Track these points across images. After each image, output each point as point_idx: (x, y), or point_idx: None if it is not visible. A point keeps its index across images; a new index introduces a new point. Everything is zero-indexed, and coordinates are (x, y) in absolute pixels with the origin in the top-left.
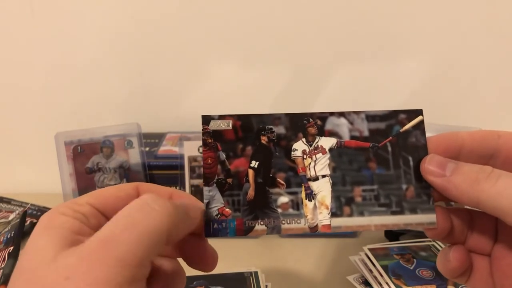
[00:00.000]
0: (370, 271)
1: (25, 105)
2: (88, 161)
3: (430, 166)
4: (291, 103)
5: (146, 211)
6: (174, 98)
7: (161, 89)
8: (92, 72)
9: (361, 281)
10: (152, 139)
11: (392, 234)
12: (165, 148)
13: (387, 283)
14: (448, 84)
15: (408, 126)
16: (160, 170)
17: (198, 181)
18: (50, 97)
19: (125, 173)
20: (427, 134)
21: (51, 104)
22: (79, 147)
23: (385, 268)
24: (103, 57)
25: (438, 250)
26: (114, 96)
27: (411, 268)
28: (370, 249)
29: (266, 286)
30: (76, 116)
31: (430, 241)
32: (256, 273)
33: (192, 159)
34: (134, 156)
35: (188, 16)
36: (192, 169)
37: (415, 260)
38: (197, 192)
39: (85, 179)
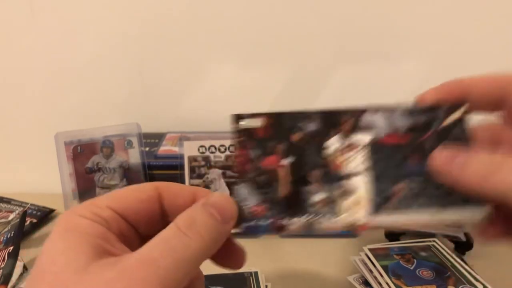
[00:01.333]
0: (370, 271)
1: (25, 105)
2: (88, 161)
3: (437, 164)
4: (291, 103)
5: (182, 239)
6: (174, 98)
7: (161, 89)
8: (92, 72)
9: (361, 281)
10: (152, 139)
11: (392, 234)
12: (165, 148)
13: (387, 283)
14: None
15: (450, 119)
16: (160, 170)
17: (198, 181)
18: (50, 97)
19: (125, 173)
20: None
21: (51, 104)
22: (79, 147)
23: (385, 268)
24: (103, 57)
25: (438, 250)
26: (114, 96)
27: (411, 268)
28: (370, 249)
29: (266, 286)
30: (76, 116)
31: (430, 241)
32: (256, 273)
33: (192, 159)
34: (134, 156)
35: (188, 16)
36: (192, 169)
37: (415, 260)
38: None
39: (85, 179)
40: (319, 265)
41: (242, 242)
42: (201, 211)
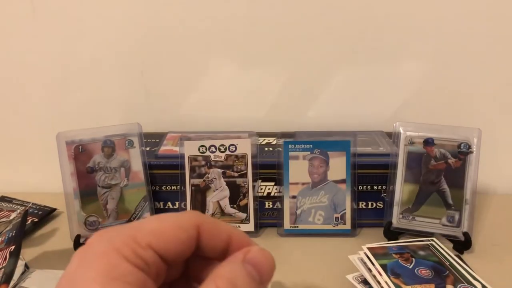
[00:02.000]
0: (369, 270)
1: (26, 105)
2: (89, 161)
3: None
4: (290, 103)
5: None
6: (174, 98)
7: (161, 89)
8: (93, 72)
9: (360, 280)
10: (152, 139)
11: (391, 233)
12: (166, 147)
13: (386, 282)
14: (448, 84)
15: None
16: (161, 170)
17: (198, 181)
18: (52, 97)
19: (126, 173)
20: (428, 135)
21: (52, 104)
22: (80, 147)
23: (384, 267)
24: (105, 57)
25: (437, 249)
26: (115, 96)
27: (410, 267)
28: (369, 248)
29: None
30: (77, 116)
31: (428, 240)
32: None
33: (193, 158)
34: (135, 156)
35: (189, 17)
36: (192, 169)
37: (413, 259)
38: (197, 191)
39: (86, 179)
40: (318, 264)
41: None
42: (241, 271)
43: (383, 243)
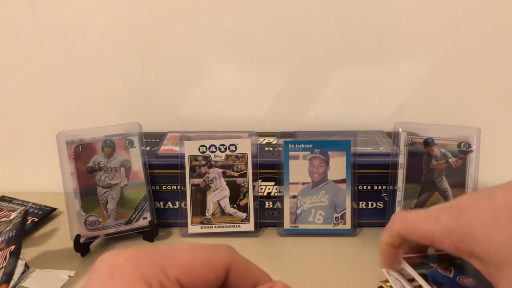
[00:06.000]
0: (410, 280)
1: (26, 104)
2: (89, 161)
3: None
4: (290, 103)
5: None
6: (175, 98)
7: (162, 89)
8: (93, 72)
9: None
10: (153, 139)
11: None
12: (166, 147)
13: None
14: (447, 84)
15: None
16: (161, 170)
17: (198, 180)
18: (52, 97)
19: (126, 173)
20: (428, 135)
21: (52, 103)
22: (80, 147)
23: (424, 277)
24: (105, 58)
25: None
26: (115, 95)
27: (451, 276)
28: (405, 258)
29: None
30: (77, 116)
31: None
32: None
33: (193, 158)
34: (135, 156)
35: (189, 17)
36: (192, 169)
37: (452, 268)
38: (197, 191)
39: (87, 178)
40: (318, 264)
41: (241, 241)
42: None
43: (415, 254)
